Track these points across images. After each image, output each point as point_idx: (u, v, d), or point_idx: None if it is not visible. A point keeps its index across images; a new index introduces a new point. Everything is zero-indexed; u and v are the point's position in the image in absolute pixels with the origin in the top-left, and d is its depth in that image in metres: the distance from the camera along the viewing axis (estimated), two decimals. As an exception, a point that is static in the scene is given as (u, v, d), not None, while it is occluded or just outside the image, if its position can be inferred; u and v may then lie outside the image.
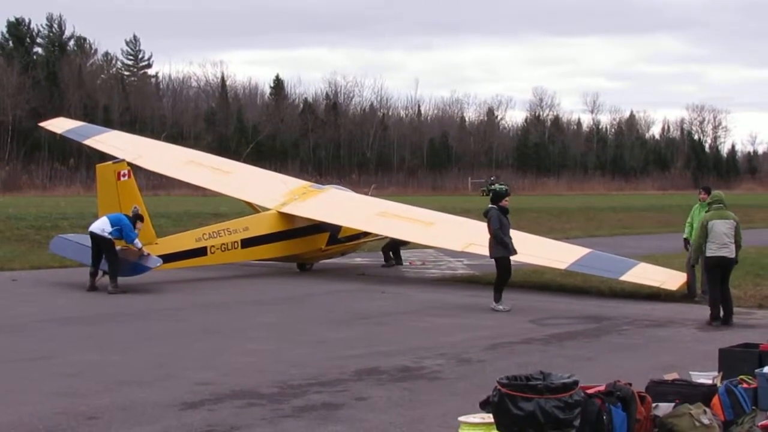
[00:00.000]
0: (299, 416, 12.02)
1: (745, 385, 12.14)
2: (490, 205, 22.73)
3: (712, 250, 20.68)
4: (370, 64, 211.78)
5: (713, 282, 20.91)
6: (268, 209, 30.91)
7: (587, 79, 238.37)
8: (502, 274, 22.74)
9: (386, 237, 32.00)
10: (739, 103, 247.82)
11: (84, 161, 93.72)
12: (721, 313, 20.69)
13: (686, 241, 25.15)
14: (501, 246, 22.52)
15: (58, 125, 40.04)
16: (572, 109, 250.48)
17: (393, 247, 33.36)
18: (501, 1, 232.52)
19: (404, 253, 35.89)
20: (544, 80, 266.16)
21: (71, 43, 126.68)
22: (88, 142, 37.53)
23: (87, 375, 14.47)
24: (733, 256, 20.84)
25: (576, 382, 9.56)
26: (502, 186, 24.03)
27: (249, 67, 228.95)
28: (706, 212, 21.60)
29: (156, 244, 26.76)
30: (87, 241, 25.64)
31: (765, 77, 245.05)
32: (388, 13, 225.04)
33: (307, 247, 30.84)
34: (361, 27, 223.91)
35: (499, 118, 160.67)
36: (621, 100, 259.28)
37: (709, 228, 20.65)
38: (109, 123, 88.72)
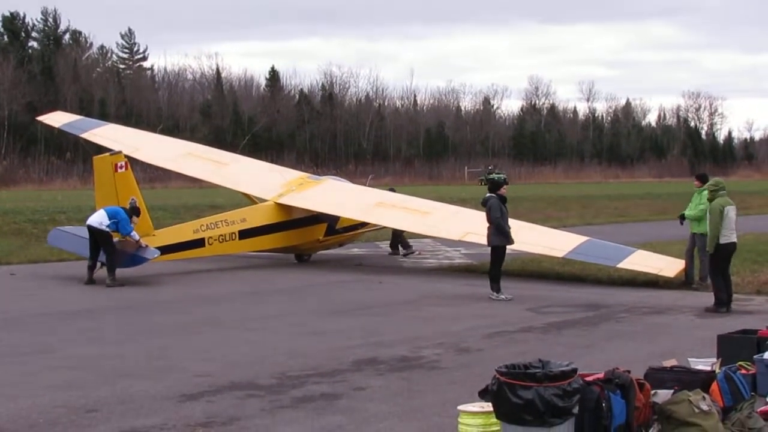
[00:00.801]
0: (298, 407, 12.03)
1: (743, 372, 12.15)
2: (488, 194, 22.74)
3: (726, 237, 20.70)
4: (365, 54, 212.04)
5: (720, 268, 20.93)
6: (265, 200, 30.90)
7: (581, 67, 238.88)
8: (493, 263, 22.75)
9: (383, 227, 31.98)
10: (734, 89, 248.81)
11: (81, 155, 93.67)
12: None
13: (681, 217, 25.09)
14: (501, 235, 22.53)
15: (56, 119, 39.99)
16: (568, 97, 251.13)
17: (399, 237, 33.46)
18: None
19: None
20: (539, 69, 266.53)
21: (66, 36, 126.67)
22: (85, 135, 37.50)
23: (86, 368, 14.47)
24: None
25: (575, 370, 9.56)
26: (500, 175, 24.01)
27: (244, 59, 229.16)
28: (709, 199, 21.45)
29: (153, 235, 26.75)
30: (85, 233, 25.59)
31: (758, 63, 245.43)
32: (382, 3, 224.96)
33: (305, 238, 30.83)
34: (356, 17, 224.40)
35: (495, 107, 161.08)
36: (617, 88, 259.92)
37: (725, 214, 20.66)
38: (105, 116, 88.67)
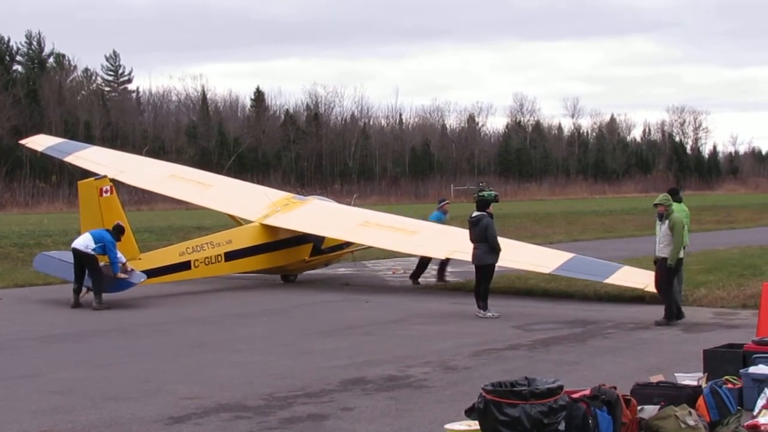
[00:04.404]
0: (286, 428, 12.03)
1: (730, 386, 12.21)
2: (478, 212, 22.74)
3: (682, 252, 21.09)
4: (349, 73, 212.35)
5: (671, 281, 21.16)
6: (250, 221, 30.87)
7: (566, 83, 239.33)
8: (484, 281, 22.77)
9: (370, 246, 31.89)
10: (717, 104, 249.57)
11: (66, 178, 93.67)
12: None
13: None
14: (494, 253, 22.60)
15: (39, 142, 39.84)
16: (553, 114, 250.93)
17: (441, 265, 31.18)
18: (469, 8, 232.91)
19: (388, 262, 35.96)
20: (523, 86, 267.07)
21: (51, 60, 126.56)
22: (68, 159, 37.35)
23: (73, 392, 14.44)
24: None
25: (561, 387, 9.59)
26: (491, 192, 24.05)
27: (229, 80, 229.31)
28: (673, 215, 21.33)
29: (139, 259, 26.69)
30: (70, 258, 25.53)
31: (740, 78, 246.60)
32: (367, 22, 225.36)
33: (291, 258, 30.79)
34: (340, 37, 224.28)
35: (480, 124, 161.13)
36: (601, 104, 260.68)
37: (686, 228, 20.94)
38: (90, 139, 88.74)
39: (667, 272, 21.10)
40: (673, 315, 20.90)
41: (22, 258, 36.50)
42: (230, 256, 28.97)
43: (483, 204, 22.95)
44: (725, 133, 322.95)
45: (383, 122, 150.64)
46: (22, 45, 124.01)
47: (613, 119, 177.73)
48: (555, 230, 56.52)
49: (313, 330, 20.94)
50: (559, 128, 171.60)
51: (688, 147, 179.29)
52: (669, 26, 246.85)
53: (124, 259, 25.32)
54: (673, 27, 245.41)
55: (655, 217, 21.52)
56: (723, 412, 11.36)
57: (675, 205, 22.57)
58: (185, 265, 27.83)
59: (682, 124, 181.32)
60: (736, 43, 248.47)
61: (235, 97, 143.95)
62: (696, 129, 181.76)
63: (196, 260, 28.08)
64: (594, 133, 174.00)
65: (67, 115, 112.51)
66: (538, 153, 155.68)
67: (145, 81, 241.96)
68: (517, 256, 26.12)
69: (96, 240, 24.91)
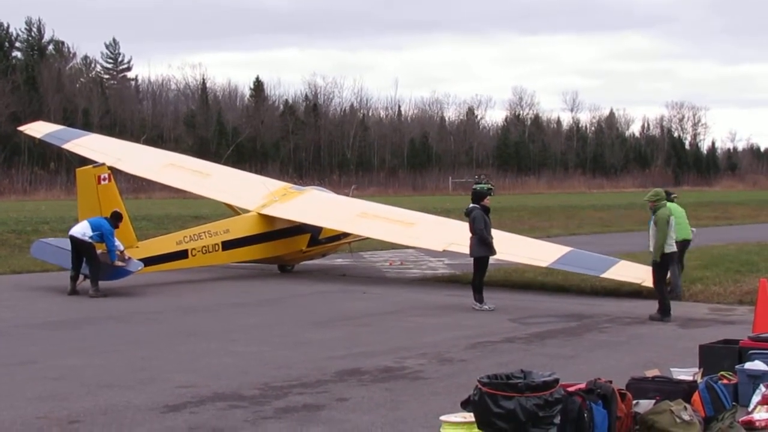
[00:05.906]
0: (281, 418, 12.03)
1: (725, 381, 12.21)
2: (471, 205, 22.79)
3: (670, 246, 21.28)
4: (349, 64, 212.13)
5: (664, 277, 21.21)
6: (248, 211, 30.86)
7: (564, 77, 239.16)
8: (477, 273, 22.79)
9: (367, 237, 31.91)
10: (716, 100, 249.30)
11: (64, 165, 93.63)
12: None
13: None
14: (484, 246, 22.59)
15: (37, 129, 39.73)
16: (552, 107, 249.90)
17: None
18: (469, 1, 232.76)
19: (385, 254, 35.90)
20: (523, 79, 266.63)
21: (50, 47, 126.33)
22: (67, 146, 37.30)
23: (69, 379, 14.43)
24: None
25: (556, 380, 9.59)
26: (484, 185, 24.04)
27: (228, 70, 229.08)
28: (659, 210, 21.28)
29: (137, 247, 26.68)
30: (67, 245, 25.51)
31: (740, 74, 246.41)
32: (366, 13, 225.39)
33: (288, 248, 30.79)
34: (340, 28, 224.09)
35: (479, 117, 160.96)
36: (600, 98, 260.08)
37: (671, 224, 20.95)
38: (88, 127, 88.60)
39: (658, 267, 21.12)
40: (668, 310, 20.90)
41: (20, 245, 36.47)
42: (228, 245, 28.98)
43: (476, 196, 22.97)
44: (724, 129, 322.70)
45: (382, 114, 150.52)
46: (22, 32, 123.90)
47: (612, 114, 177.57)
48: (552, 224, 56.54)
49: (310, 320, 20.95)
50: (558, 122, 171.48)
51: (687, 143, 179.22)
52: (667, 22, 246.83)
53: (121, 247, 25.31)
54: (672, 23, 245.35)
55: (650, 212, 21.55)
56: (718, 407, 11.37)
57: (670, 205, 22.61)
58: (182, 254, 27.84)
59: (681, 120, 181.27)
60: (734, 39, 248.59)
61: (234, 86, 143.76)
62: (695, 125, 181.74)
63: (194, 249, 28.09)
64: (593, 128, 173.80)
65: (65, 103, 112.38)
66: (536, 146, 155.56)
67: (145, 69, 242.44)
68: (514, 249, 26.15)
69: (93, 228, 24.90)
